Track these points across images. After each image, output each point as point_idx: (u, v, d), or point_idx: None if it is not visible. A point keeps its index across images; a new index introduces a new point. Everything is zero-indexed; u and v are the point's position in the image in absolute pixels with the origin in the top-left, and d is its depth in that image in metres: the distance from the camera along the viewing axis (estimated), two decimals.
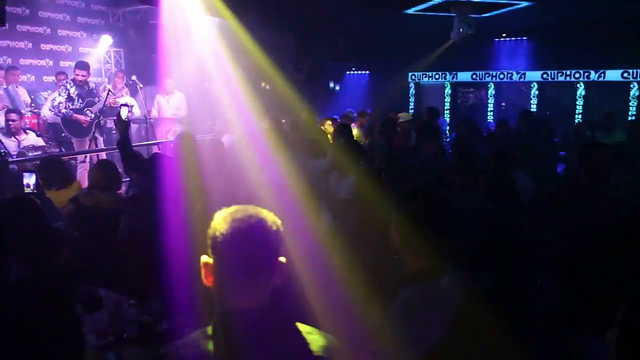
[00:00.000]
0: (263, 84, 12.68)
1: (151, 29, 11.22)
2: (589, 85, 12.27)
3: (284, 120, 8.88)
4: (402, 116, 8.65)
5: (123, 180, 6.53)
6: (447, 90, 14.46)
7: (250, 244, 1.47)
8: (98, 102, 7.96)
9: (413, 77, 14.76)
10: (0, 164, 5.89)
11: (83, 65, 8.03)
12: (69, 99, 7.72)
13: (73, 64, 10.49)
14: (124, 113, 5.09)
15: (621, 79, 11.73)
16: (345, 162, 4.91)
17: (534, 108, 12.73)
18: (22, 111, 7.93)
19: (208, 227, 2.85)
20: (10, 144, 7.00)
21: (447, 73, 14.20)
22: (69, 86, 7.78)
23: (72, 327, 1.97)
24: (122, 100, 8.01)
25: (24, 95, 8.68)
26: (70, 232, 3.81)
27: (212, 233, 1.53)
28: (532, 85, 13.04)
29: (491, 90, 13.78)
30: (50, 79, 9.87)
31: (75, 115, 7.70)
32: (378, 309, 2.61)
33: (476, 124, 8.51)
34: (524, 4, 10.02)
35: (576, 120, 11.92)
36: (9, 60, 9.59)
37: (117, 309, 2.99)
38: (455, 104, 14.56)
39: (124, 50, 11.69)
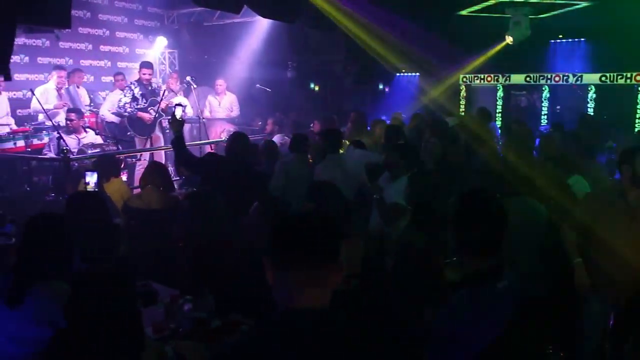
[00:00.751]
0: (312, 85, 12.76)
1: (204, 31, 11.47)
2: None
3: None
4: (452, 119, 8.52)
5: (174, 179, 6.72)
6: (499, 93, 14.12)
7: (309, 241, 1.49)
8: (160, 101, 8.24)
9: (464, 79, 14.50)
10: (64, 162, 6.14)
11: (148, 65, 8.41)
12: (134, 99, 8.07)
13: (130, 64, 10.94)
14: (178, 112, 5.21)
15: None
16: (397, 165, 4.86)
17: (590, 112, 12.28)
18: (82, 110, 8.25)
19: (262, 225, 2.89)
20: (71, 142, 7.29)
21: (500, 75, 13.87)
22: (133, 87, 8.12)
23: (132, 319, 2.02)
24: (176, 100, 8.24)
25: (83, 96, 9.03)
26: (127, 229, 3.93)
27: (269, 230, 1.55)
28: (589, 88, 12.58)
29: (545, 93, 13.36)
30: (109, 79, 10.21)
31: (139, 113, 8.02)
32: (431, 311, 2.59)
33: (529, 127, 8.28)
34: (583, 4, 9.70)
35: (636, 125, 11.43)
36: (70, 61, 9.99)
37: (173, 304, 3.06)
38: (507, 107, 14.20)
39: (178, 51, 11.97)
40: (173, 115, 5.14)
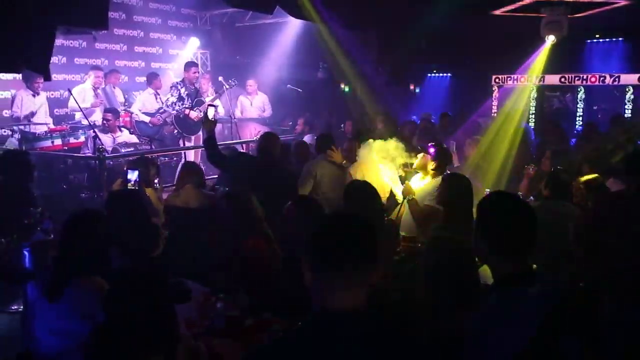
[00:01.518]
0: (343, 86, 12.73)
1: (236, 31, 11.56)
2: None
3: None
4: (484, 119, 8.41)
5: (208, 177, 6.79)
6: (533, 94, 13.87)
7: (348, 242, 1.48)
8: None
9: (497, 80, 14.29)
10: (99, 160, 6.27)
11: (195, 64, 8.64)
12: (180, 98, 8.22)
13: (163, 65, 11.11)
14: (210, 112, 5.26)
15: None
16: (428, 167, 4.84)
17: (628, 114, 11.96)
18: (118, 110, 8.42)
19: (296, 225, 2.88)
20: (106, 140, 7.45)
21: (534, 76, 13.62)
22: (179, 87, 8.27)
23: (168, 315, 2.05)
24: (207, 101, 8.37)
25: (119, 95, 9.21)
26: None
27: (309, 230, 1.56)
28: (627, 89, 12.25)
29: (581, 94, 13.08)
30: (142, 79, 10.38)
31: (189, 112, 8.16)
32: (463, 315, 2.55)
33: (563, 128, 8.12)
34: (622, 2, 9.45)
35: None
36: (106, 62, 10.19)
37: (206, 302, 3.09)
38: (541, 108, 13.93)
39: (210, 52, 12.10)
40: (205, 115, 5.20)
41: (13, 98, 8.20)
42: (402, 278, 3.23)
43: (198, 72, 8.58)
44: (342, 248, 1.47)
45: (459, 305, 2.90)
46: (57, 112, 9.06)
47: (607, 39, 12.95)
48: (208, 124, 5.03)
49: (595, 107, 13.31)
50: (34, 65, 5.48)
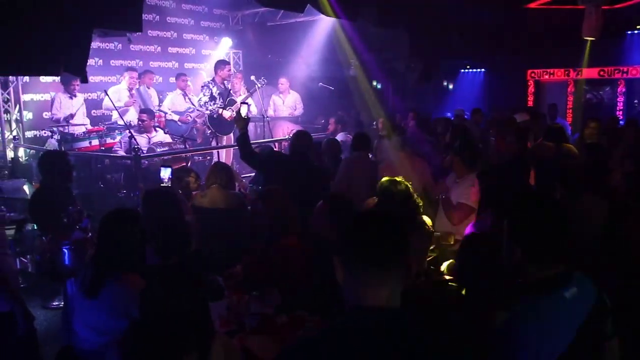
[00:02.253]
0: (375, 83, 12.68)
1: (268, 31, 11.61)
2: None
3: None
4: (520, 116, 8.24)
5: (242, 176, 6.85)
6: (570, 89, 13.55)
7: (381, 239, 1.48)
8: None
9: (533, 74, 14.00)
10: (135, 160, 6.38)
11: (227, 62, 8.67)
12: (212, 98, 8.30)
13: (196, 65, 11.25)
14: (243, 111, 5.30)
15: None
16: (462, 164, 4.74)
17: None
18: (153, 110, 8.56)
19: (327, 223, 2.86)
20: (142, 140, 7.59)
21: (571, 69, 13.29)
22: (211, 86, 8.34)
23: (202, 312, 2.08)
24: (239, 100, 8.44)
25: (153, 96, 9.37)
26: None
27: (341, 228, 1.56)
28: None
29: (621, 88, 12.72)
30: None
31: (222, 111, 8.24)
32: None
33: (604, 123, 7.87)
34: None
35: None
36: (140, 63, 10.38)
37: (239, 300, 3.11)
38: (579, 102, 13.59)
39: (242, 51, 12.20)
40: (238, 112, 5.24)
41: (52, 100, 8.44)
42: (436, 276, 3.20)
43: (231, 70, 8.63)
44: (376, 245, 1.48)
45: (493, 305, 2.86)
46: (94, 113, 9.29)
47: None
48: (241, 122, 5.06)
49: (635, 102, 12.89)
50: (72, 68, 5.61)
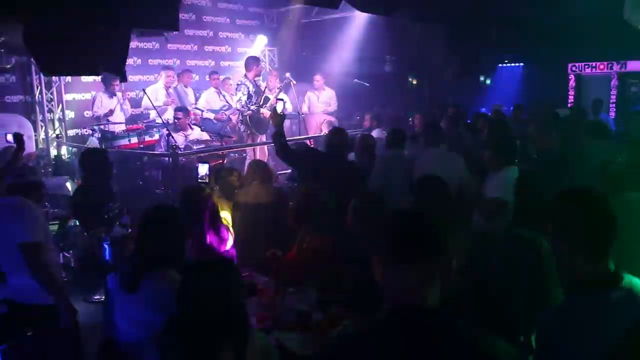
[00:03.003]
0: (411, 79, 12.56)
1: (303, 28, 11.63)
2: None
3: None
4: (563, 110, 8.03)
5: (279, 172, 6.88)
6: (614, 82, 13.11)
7: (419, 237, 1.47)
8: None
9: (574, 68, 13.61)
10: (173, 157, 6.48)
11: (259, 59, 8.76)
12: (249, 96, 8.33)
13: (232, 63, 11.35)
14: (279, 107, 5.33)
15: None
16: (494, 159, 4.63)
17: None
18: (189, 108, 8.67)
19: (361, 220, 2.83)
20: (179, 138, 7.70)
21: (614, 62, 12.85)
22: (247, 84, 8.37)
23: (238, 308, 2.08)
24: (272, 97, 8.47)
25: (190, 95, 9.50)
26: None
27: (378, 226, 1.54)
28: None
29: None
30: None
31: (262, 110, 8.29)
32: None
33: None
34: None
35: None
36: (178, 62, 10.55)
37: (276, 296, 3.12)
38: (623, 97, 13.14)
39: (277, 49, 12.25)
40: (274, 109, 5.26)
41: (93, 99, 8.65)
42: (475, 275, 3.13)
43: (263, 66, 8.67)
44: (416, 244, 1.47)
45: (533, 303, 2.79)
46: (132, 111, 9.47)
47: None
48: (276, 118, 5.06)
49: None
50: (111, 68, 5.72)
